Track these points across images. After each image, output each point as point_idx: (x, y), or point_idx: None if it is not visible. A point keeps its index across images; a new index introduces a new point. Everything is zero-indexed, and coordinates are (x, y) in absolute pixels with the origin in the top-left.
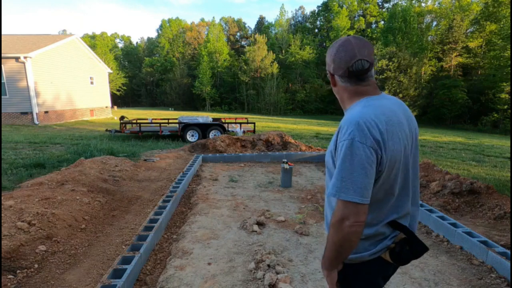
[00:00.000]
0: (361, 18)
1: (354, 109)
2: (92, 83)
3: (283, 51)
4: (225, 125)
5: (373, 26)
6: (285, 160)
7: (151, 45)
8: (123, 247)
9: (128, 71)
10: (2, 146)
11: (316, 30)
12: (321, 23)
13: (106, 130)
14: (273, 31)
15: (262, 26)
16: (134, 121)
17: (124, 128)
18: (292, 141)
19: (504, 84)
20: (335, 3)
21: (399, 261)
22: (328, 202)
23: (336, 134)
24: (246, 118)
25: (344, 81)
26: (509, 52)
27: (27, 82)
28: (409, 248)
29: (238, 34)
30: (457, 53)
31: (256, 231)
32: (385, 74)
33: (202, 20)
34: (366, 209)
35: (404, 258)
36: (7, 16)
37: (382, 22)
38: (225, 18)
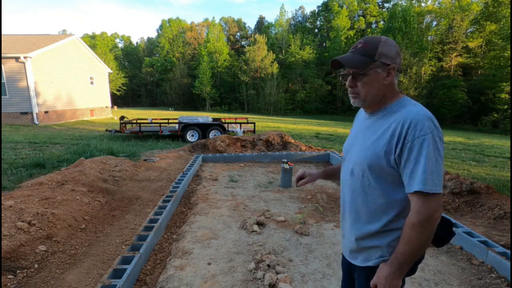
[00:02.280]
0: (361, 18)
1: (409, 106)
2: (92, 83)
3: (283, 51)
4: (225, 125)
5: (373, 26)
6: (285, 160)
7: (151, 45)
8: (123, 247)
9: (128, 71)
10: (2, 146)
11: (316, 30)
12: (321, 23)
13: (106, 130)
14: (273, 31)
15: (262, 26)
16: (134, 121)
17: (124, 128)
18: (292, 141)
19: (504, 84)
20: (335, 3)
21: (442, 243)
22: (364, 201)
23: (400, 132)
24: (246, 118)
25: (396, 77)
26: (509, 52)
27: (27, 82)
28: (445, 229)
29: (238, 34)
30: (457, 53)
31: (256, 231)
32: None
33: (206, 20)
34: None
35: (446, 239)
36: (7, 16)
37: (382, 22)
38: (225, 18)
